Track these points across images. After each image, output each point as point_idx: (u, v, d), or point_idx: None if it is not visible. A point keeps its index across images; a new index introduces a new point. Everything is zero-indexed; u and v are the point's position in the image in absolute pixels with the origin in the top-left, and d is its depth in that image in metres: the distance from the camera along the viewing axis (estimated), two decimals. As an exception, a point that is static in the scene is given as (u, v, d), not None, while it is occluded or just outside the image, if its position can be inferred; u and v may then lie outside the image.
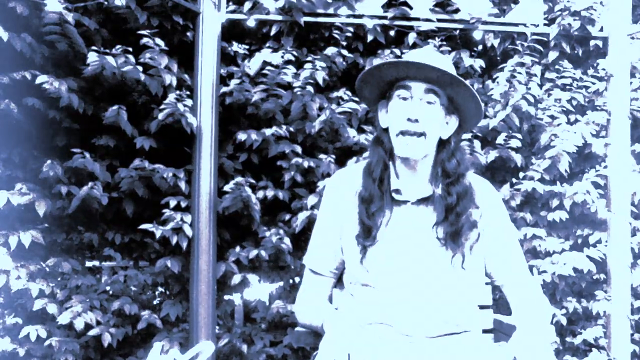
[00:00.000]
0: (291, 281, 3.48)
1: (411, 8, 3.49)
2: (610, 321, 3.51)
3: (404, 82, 1.47)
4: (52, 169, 2.88)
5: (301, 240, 3.34)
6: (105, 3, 3.01)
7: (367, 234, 1.49)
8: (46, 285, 2.95)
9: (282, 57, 3.33)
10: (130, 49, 2.97)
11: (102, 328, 3.01)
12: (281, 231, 3.29)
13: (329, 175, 3.30)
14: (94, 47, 2.90)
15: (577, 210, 3.55)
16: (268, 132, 3.27)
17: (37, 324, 2.95)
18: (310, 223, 3.21)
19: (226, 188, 3.17)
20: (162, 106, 3.08)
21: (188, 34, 3.32)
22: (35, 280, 2.93)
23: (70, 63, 3.08)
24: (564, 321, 3.49)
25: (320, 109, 3.38)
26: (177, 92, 3.13)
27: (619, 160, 3.56)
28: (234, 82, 3.29)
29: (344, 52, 3.44)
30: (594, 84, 3.67)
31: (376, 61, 3.46)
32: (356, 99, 3.39)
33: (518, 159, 3.51)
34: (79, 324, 2.91)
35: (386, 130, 1.54)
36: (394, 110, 1.48)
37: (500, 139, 3.47)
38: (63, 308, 2.96)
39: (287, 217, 3.38)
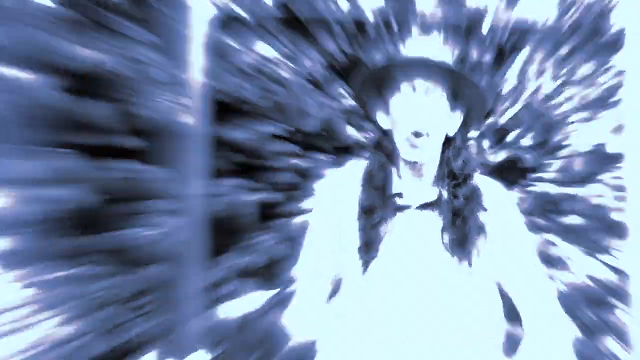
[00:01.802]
0: (286, 288, 3.40)
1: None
2: (628, 331, 3.38)
3: (406, 80, 1.43)
4: (36, 169, 2.79)
5: (297, 244, 3.27)
6: (91, -6, 2.95)
7: (369, 247, 1.46)
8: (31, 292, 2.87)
9: (279, 51, 3.27)
10: (117, 43, 2.88)
11: (90, 337, 2.92)
12: (276, 235, 3.22)
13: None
14: (78, 40, 2.82)
15: (592, 214, 3.45)
16: (263, 130, 3.21)
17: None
18: (306, 227, 3.14)
19: (218, 190, 3.09)
20: (151, 103, 2.99)
21: (178, 27, 3.25)
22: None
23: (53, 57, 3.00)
24: (578, 331, 3.37)
25: (318, 106, 3.32)
26: (167, 88, 3.04)
27: (635, 159, 3.43)
28: (227, 78, 3.21)
29: (344, 46, 3.37)
30: (607, 80, 3.57)
31: (377, 58, 3.41)
32: (355, 95, 3.36)
33: (529, 159, 3.43)
34: (65, 333, 2.82)
35: (386, 132, 1.51)
36: (398, 110, 1.44)
37: (510, 138, 3.42)
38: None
39: (282, 220, 3.31)
